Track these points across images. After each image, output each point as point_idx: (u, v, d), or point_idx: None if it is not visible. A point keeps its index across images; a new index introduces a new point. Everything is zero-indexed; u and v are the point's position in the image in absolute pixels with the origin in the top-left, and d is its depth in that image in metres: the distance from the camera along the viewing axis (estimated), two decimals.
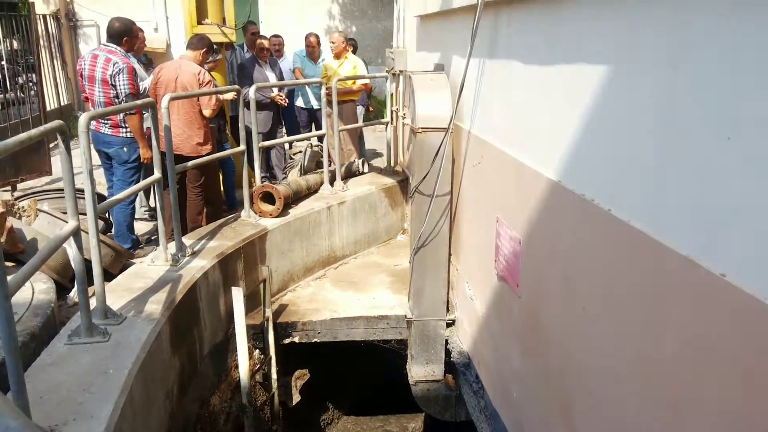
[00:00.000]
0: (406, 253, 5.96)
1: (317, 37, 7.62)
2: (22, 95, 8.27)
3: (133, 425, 2.67)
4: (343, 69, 7.20)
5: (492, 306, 3.62)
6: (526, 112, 2.93)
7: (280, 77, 7.20)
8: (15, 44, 8.85)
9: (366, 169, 6.84)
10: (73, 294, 4.20)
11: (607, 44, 2.09)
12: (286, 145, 7.62)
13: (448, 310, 4.55)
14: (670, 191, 1.77)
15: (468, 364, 4.24)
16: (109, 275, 4.27)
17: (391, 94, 6.71)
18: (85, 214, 2.96)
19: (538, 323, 2.86)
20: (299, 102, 7.61)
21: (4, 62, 8.14)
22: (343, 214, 5.75)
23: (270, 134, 6.94)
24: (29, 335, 3.13)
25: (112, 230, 5.22)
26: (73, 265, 3.90)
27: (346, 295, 5.19)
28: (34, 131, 2.35)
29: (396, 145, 7.06)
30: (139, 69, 5.62)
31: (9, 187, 6.71)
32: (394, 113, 6.80)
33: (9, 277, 2.09)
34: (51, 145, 8.66)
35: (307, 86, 7.47)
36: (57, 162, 7.11)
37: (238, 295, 4.01)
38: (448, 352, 4.57)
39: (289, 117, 7.69)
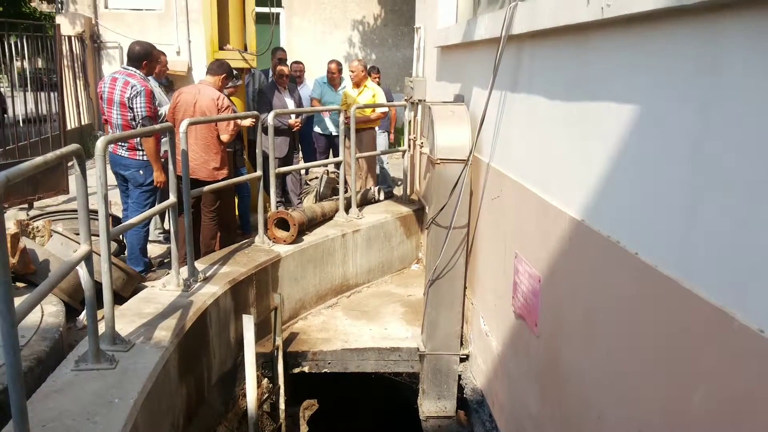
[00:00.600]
0: (420, 282, 5.89)
1: (339, 64, 7.65)
2: (45, 113, 8.38)
3: None
4: (362, 97, 7.21)
5: (508, 343, 3.52)
6: (549, 147, 2.87)
7: (299, 104, 7.22)
8: (39, 62, 8.99)
9: (382, 196, 6.80)
10: (83, 317, 4.16)
11: (635, 85, 2.04)
12: (302, 171, 7.60)
13: (461, 344, 4.45)
14: (702, 237, 1.69)
15: (481, 402, 4.12)
16: (120, 298, 4.23)
17: (409, 122, 6.69)
18: (98, 235, 2.93)
19: (557, 365, 2.76)
20: (317, 128, 7.61)
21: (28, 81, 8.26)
22: (357, 242, 5.69)
23: (286, 159, 6.93)
24: (36, 360, 3.08)
25: (125, 252, 5.19)
26: (83, 289, 3.87)
27: (358, 324, 5.11)
28: (50, 155, 2.32)
29: (413, 173, 7.02)
30: (160, 92, 5.65)
31: (26, 205, 6.74)
32: (412, 141, 6.77)
33: (17, 304, 2.04)
34: (69, 164, 8.73)
35: (324, 113, 7.49)
36: (74, 180, 7.16)
37: (248, 323, 3.94)
38: (460, 388, 4.46)
39: (305, 143, 7.69)
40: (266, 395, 4.50)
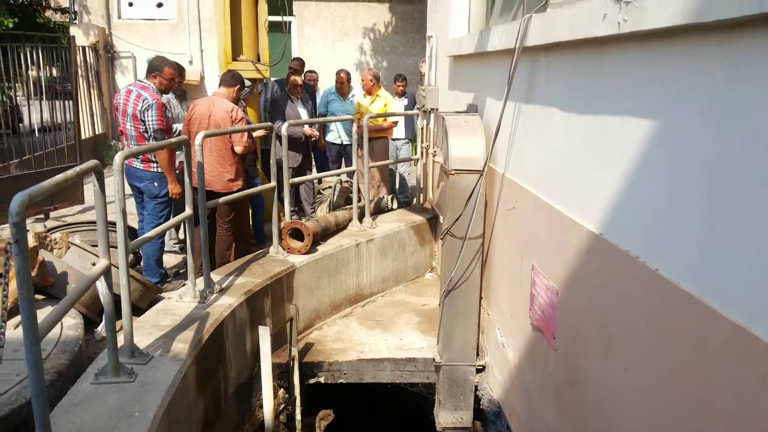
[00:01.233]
0: (434, 292, 5.88)
1: (347, 73, 7.68)
2: (59, 122, 8.48)
3: None
4: (374, 106, 7.23)
5: (525, 355, 3.50)
6: (565, 159, 2.86)
7: (313, 113, 7.25)
8: (54, 71, 9.09)
9: (395, 205, 6.80)
10: (101, 329, 4.20)
11: (653, 100, 2.03)
12: (316, 181, 7.63)
13: (478, 355, 4.43)
14: (723, 254, 1.68)
15: (498, 413, 4.11)
16: (137, 309, 4.26)
17: (421, 130, 6.70)
18: (116, 247, 2.96)
19: (575, 379, 2.75)
20: (329, 137, 7.64)
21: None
22: (371, 252, 5.70)
23: (300, 169, 6.96)
24: (56, 373, 3.11)
25: (141, 263, 5.23)
26: (102, 302, 3.90)
27: (372, 334, 5.11)
28: (70, 172, 2.35)
29: (425, 182, 7.03)
30: (176, 105, 5.70)
31: (42, 215, 6.82)
32: (425, 150, 6.78)
33: (39, 319, 2.07)
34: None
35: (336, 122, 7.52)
36: (89, 190, 7.23)
37: (265, 334, 3.95)
38: (477, 399, 4.44)
39: (318, 152, 7.72)
40: (282, 406, 4.51)
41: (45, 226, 5.30)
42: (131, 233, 4.58)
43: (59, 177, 2.25)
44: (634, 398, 2.19)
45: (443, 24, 5.93)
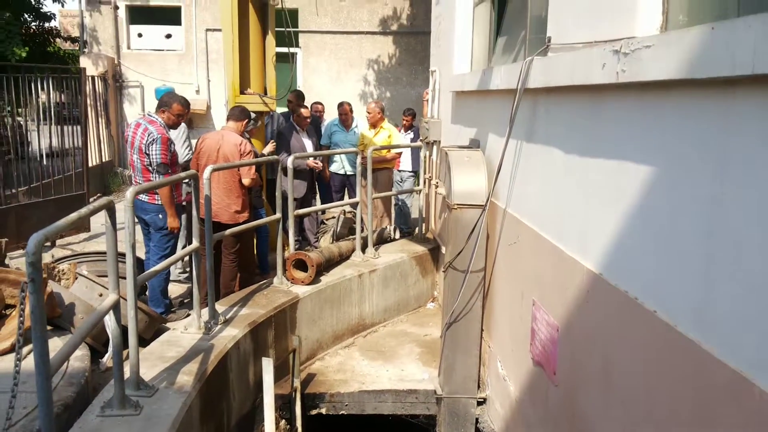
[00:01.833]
0: (435, 322, 5.91)
1: (350, 105, 7.80)
2: (67, 149, 8.62)
3: None
4: (378, 138, 7.34)
5: (526, 390, 3.53)
6: (565, 198, 2.93)
7: (317, 145, 7.36)
8: (62, 97, 9.25)
9: (397, 235, 6.87)
10: (106, 359, 4.23)
11: (650, 146, 2.10)
12: (319, 211, 7.71)
13: (479, 387, 4.45)
14: (720, 299, 1.74)
15: None
16: (141, 339, 4.29)
17: (424, 161, 6.80)
18: (123, 277, 3.01)
19: (575, 415, 2.78)
20: (333, 167, 7.73)
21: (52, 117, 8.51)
22: (373, 282, 5.75)
23: (304, 200, 7.04)
24: (63, 406, 3.14)
25: (146, 293, 5.28)
26: (109, 335, 3.95)
27: (374, 365, 5.13)
28: (83, 210, 2.43)
29: (428, 212, 7.10)
30: (182, 134, 5.81)
31: (49, 243, 6.89)
32: (427, 181, 6.87)
33: (51, 356, 2.12)
34: (92, 199, 8.92)
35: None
36: (95, 219, 7.30)
37: (268, 366, 3.98)
38: (478, 431, 4.45)
39: (322, 183, 7.81)
40: None
41: (53, 256, 5.37)
42: (138, 264, 4.64)
43: (73, 216, 2.31)
44: None
45: (446, 60, 6.06)
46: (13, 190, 7.67)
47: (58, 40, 16.01)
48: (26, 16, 14.30)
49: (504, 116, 3.63)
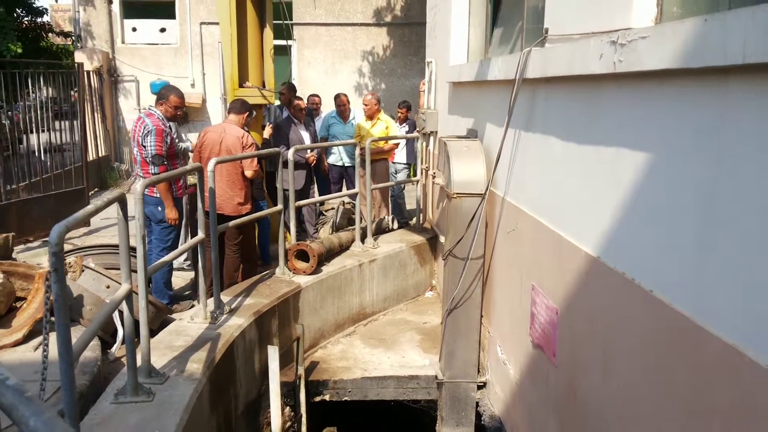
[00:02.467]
0: (434, 310, 6.01)
1: (347, 96, 7.87)
2: (65, 143, 8.66)
3: None
4: (375, 129, 7.41)
5: (526, 372, 3.64)
6: (564, 185, 3.02)
7: (314, 137, 7.42)
8: (54, 92, 9.26)
9: (395, 225, 6.95)
10: (115, 349, 4.31)
11: (647, 134, 2.19)
12: (318, 202, 7.78)
13: (479, 372, 4.56)
14: (713, 277, 1.83)
15: (500, 429, 4.22)
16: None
17: (421, 152, 6.88)
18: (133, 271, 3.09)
19: (575, 395, 2.88)
20: (331, 159, 7.80)
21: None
22: (373, 272, 5.84)
23: (303, 192, 7.12)
24: (78, 394, 3.21)
25: (150, 286, 5.35)
26: (117, 326, 4.03)
27: (376, 353, 5.23)
28: (100, 203, 2.50)
29: (425, 202, 7.18)
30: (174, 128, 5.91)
31: (47, 238, 6.94)
32: (424, 171, 6.95)
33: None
34: (91, 193, 8.96)
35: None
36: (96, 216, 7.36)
37: (273, 354, 4.07)
38: (478, 415, 4.56)
39: (320, 175, 7.88)
40: (289, 423, 4.61)
41: None
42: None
43: (90, 208, 2.39)
44: (631, 414, 2.33)
45: (443, 51, 6.13)
46: (14, 186, 7.70)
47: (50, 35, 15.95)
48: (18, 11, 14.24)
49: (502, 106, 3.71)
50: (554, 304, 3.10)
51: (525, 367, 3.66)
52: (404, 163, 8.31)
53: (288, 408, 4.70)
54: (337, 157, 7.72)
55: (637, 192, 2.26)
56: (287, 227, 5.36)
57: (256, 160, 5.26)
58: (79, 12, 13.31)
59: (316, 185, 7.88)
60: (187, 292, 6.04)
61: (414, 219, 7.04)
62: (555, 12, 3.12)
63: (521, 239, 3.72)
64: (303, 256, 5.22)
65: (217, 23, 8.93)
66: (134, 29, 13.75)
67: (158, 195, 5.20)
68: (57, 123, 8.61)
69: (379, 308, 5.98)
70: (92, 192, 9.73)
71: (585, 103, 2.74)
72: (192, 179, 5.61)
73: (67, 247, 6.23)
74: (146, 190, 5.18)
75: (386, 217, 7.04)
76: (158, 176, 4.76)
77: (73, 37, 13.83)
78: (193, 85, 13.38)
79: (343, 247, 5.96)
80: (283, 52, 7.45)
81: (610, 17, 2.44)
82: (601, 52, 2.35)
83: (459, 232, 4.24)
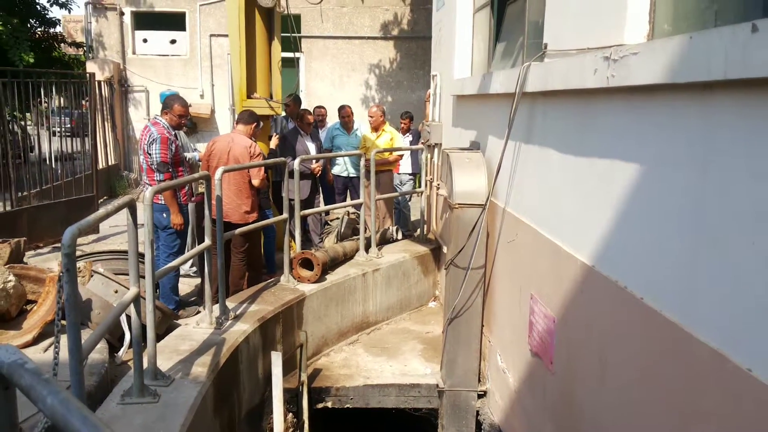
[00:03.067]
0: (437, 320, 6.07)
1: (351, 108, 8.00)
2: (77, 152, 8.80)
3: None
4: (380, 141, 7.52)
5: (525, 380, 3.69)
6: (561, 196, 3.09)
7: (320, 148, 7.54)
8: (73, 102, 9.42)
9: (399, 236, 7.03)
10: (122, 352, 4.39)
11: (639, 146, 2.27)
12: (323, 212, 7.88)
13: (479, 381, 4.61)
14: (702, 285, 1.90)
15: None
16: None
17: (425, 164, 6.96)
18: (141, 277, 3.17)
19: (572, 402, 2.94)
20: (336, 170, 7.90)
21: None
22: (377, 281, 5.91)
23: (308, 201, 7.21)
24: (86, 394, 3.29)
25: (157, 291, 5.44)
26: (124, 329, 4.11)
27: (378, 361, 5.28)
28: (110, 207, 2.59)
29: (429, 213, 7.26)
30: (182, 136, 6.03)
31: (60, 244, 7.05)
32: (429, 183, 7.04)
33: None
34: (100, 201, 9.08)
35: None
36: (105, 221, 7.47)
37: (277, 360, 4.14)
38: (478, 424, 4.60)
39: (325, 185, 7.99)
40: (291, 429, 4.66)
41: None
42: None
43: (101, 212, 2.49)
44: (627, 420, 2.39)
45: (447, 65, 6.23)
46: (25, 193, 7.83)
47: (62, 45, 16.19)
48: (32, 21, 14.49)
49: (503, 119, 3.80)
50: (552, 312, 3.16)
51: (523, 375, 3.71)
52: (409, 174, 8.40)
53: (290, 414, 4.76)
54: (342, 167, 7.82)
55: (629, 202, 2.34)
56: (292, 236, 5.45)
57: (263, 169, 5.36)
58: (91, 23, 13.54)
59: (321, 195, 7.97)
60: (192, 299, 6.12)
61: (418, 230, 7.12)
62: (554, 28, 3.21)
63: (521, 249, 3.79)
64: (307, 264, 5.30)
65: (227, 35, 9.10)
66: (145, 40, 13.96)
67: (163, 202, 5.30)
68: (72, 132, 8.77)
69: (382, 317, 6.04)
70: (101, 200, 9.85)
71: (580, 116, 2.82)
72: (200, 188, 5.72)
73: (79, 252, 6.34)
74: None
75: (390, 227, 7.12)
76: (167, 183, 4.87)
77: (85, 48, 14.03)
78: (202, 96, 13.56)
79: (348, 257, 6.03)
80: (291, 65, 7.57)
81: (605, 33, 2.53)
82: (596, 67, 2.43)
83: (460, 242, 4.31)
